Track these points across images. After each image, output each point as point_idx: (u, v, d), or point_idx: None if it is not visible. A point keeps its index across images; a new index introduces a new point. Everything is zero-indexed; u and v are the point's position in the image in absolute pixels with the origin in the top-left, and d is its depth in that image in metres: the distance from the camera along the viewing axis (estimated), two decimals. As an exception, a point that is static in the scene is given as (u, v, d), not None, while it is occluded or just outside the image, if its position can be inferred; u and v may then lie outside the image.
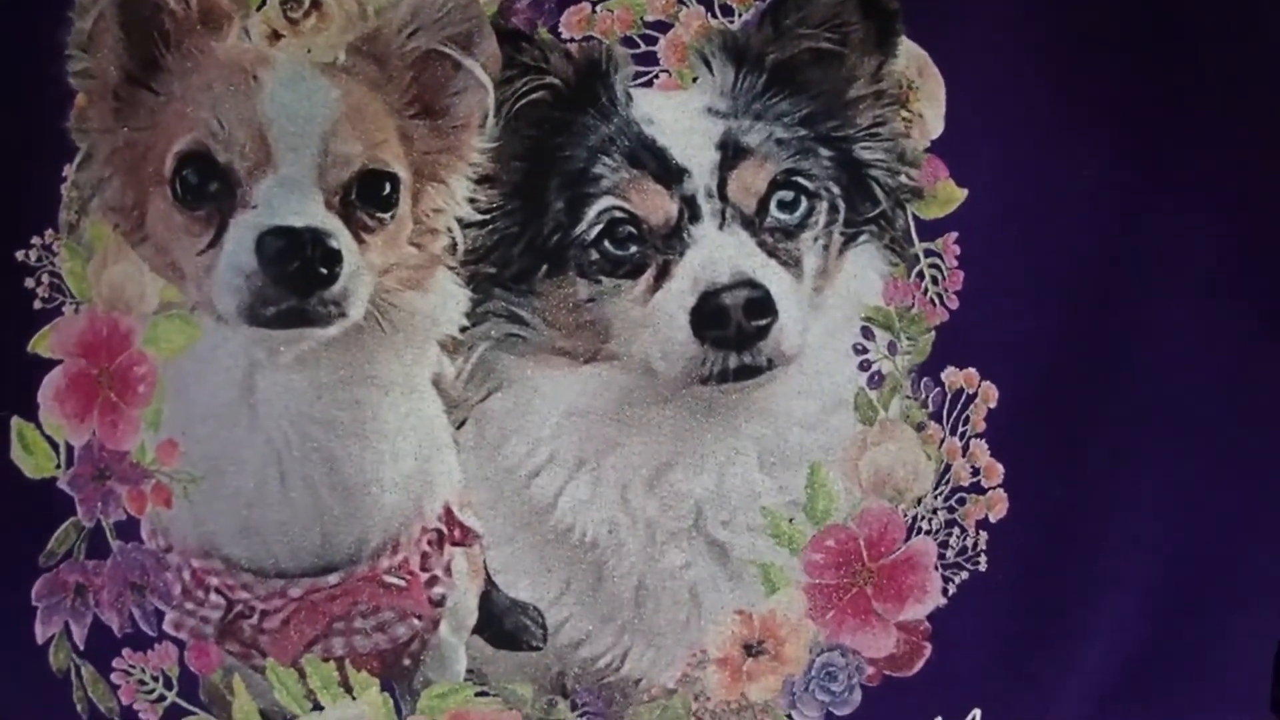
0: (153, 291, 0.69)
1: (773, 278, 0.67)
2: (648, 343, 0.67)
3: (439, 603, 0.70)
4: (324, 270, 0.64)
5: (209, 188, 0.66)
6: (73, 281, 0.72)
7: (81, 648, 0.71)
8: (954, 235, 0.71)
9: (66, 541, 0.71)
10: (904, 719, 0.72)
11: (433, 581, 0.69)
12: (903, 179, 0.70)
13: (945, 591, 0.71)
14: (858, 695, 0.72)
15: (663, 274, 0.67)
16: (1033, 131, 0.71)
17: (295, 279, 0.64)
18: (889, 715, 0.72)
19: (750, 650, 0.70)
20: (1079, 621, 0.73)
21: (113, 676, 0.71)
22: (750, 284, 0.66)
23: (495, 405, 0.69)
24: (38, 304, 0.72)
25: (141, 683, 0.71)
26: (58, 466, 0.71)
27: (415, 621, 0.69)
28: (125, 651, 0.71)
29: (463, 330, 0.68)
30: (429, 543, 0.69)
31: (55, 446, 0.72)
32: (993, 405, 0.71)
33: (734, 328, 0.66)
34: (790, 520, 0.69)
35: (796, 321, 0.68)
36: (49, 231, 0.72)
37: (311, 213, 0.65)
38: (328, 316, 0.65)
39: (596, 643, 0.70)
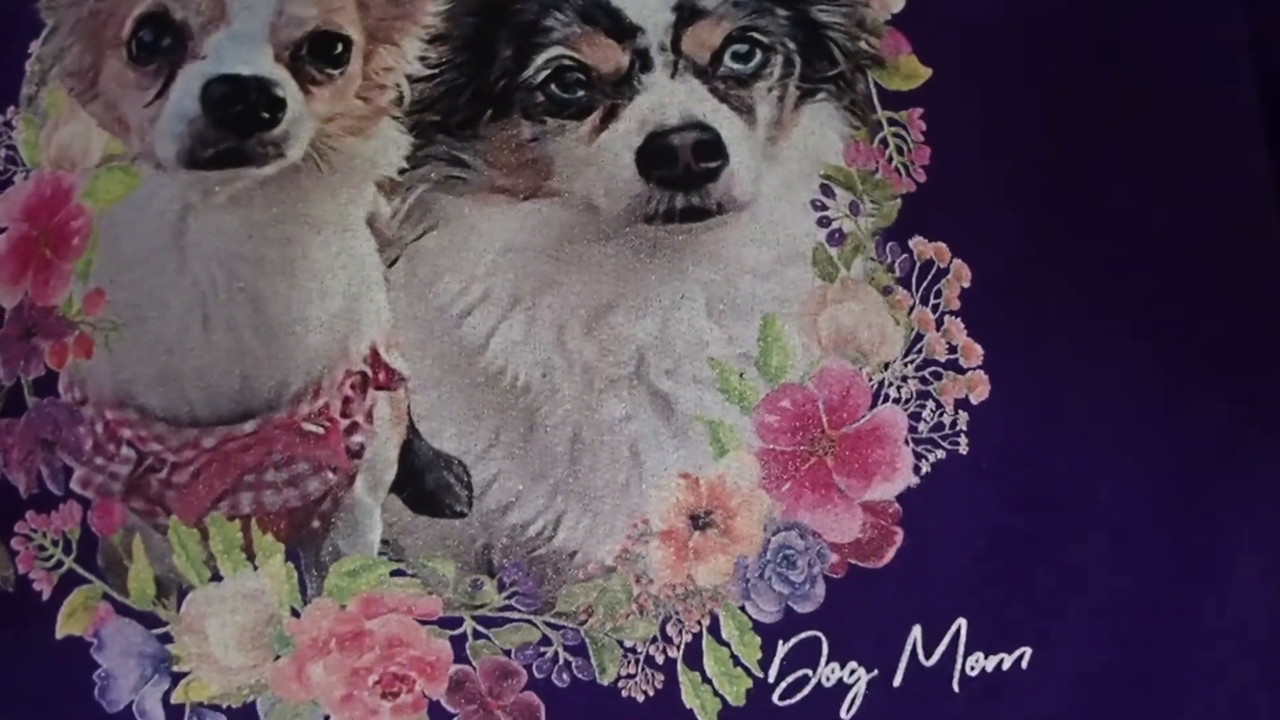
0: (97, 147, 0.69)
1: (724, 121, 0.64)
2: (590, 180, 0.64)
3: (357, 453, 0.64)
4: (266, 115, 0.64)
5: (162, 43, 0.66)
6: (26, 150, 0.72)
7: (-14, 511, 0.66)
8: (919, 111, 0.68)
9: (-16, 401, 0.68)
10: (876, 623, 0.63)
11: (352, 429, 0.64)
12: (863, 45, 0.68)
13: (917, 470, 0.64)
14: (821, 589, 0.64)
15: (609, 116, 0.65)
16: (995, 17, 0.70)
17: (236, 122, 0.64)
18: (858, 617, 0.63)
19: (697, 522, 0.63)
20: (1072, 520, 0.65)
21: (13, 542, 0.66)
22: (700, 126, 0.64)
23: (429, 243, 0.65)
24: (-9, 179, 0.72)
25: (41, 548, 0.66)
26: (-13, 330, 0.69)
27: (329, 475, 0.64)
28: (29, 514, 0.65)
29: (401, 172, 0.66)
30: (352, 386, 0.64)
31: (-13, 311, 0.69)
32: (966, 285, 0.67)
33: (682, 168, 0.63)
34: (741, 375, 0.64)
35: (749, 169, 0.64)
36: (10, 108, 0.73)
37: (259, 64, 0.65)
38: (265, 156, 0.64)
39: (527, 505, 0.64)
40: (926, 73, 0.69)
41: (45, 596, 0.65)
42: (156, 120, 0.65)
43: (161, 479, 0.64)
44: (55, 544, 0.65)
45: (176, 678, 0.64)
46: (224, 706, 0.64)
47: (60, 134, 0.70)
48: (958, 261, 0.67)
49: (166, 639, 0.64)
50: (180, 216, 0.66)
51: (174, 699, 0.64)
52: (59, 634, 0.65)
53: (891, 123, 0.68)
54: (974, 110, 0.69)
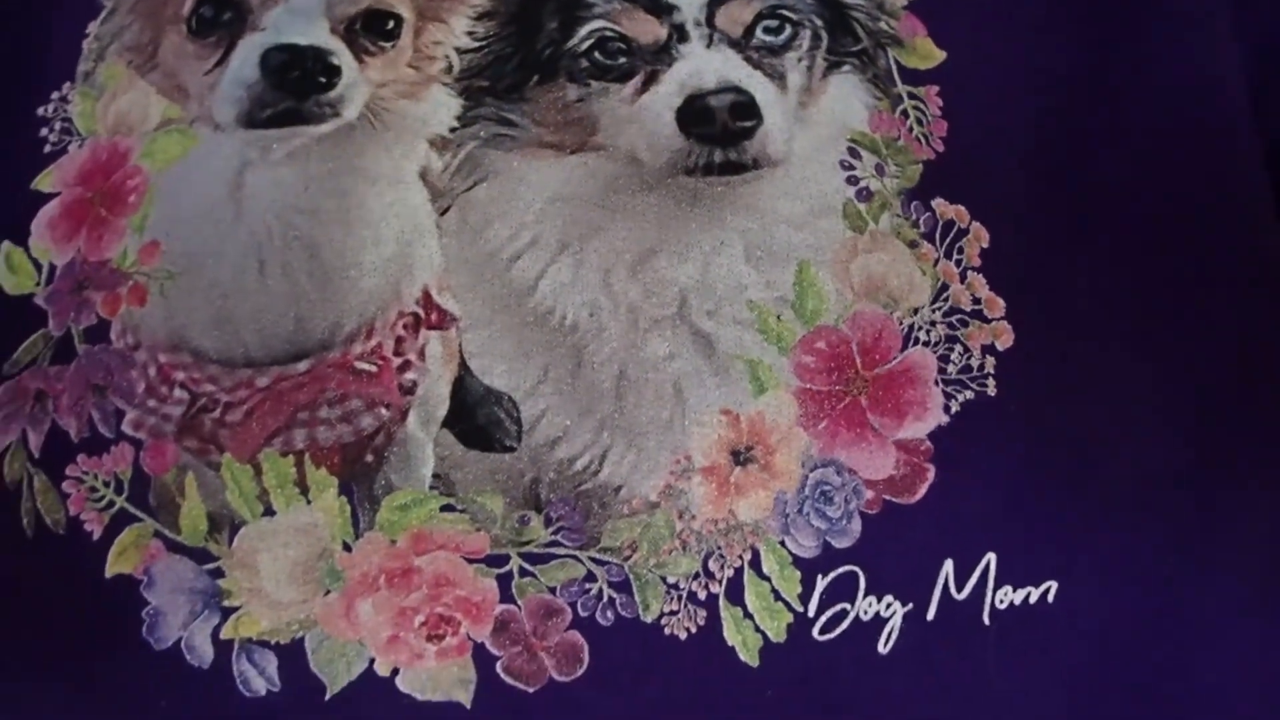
0: (155, 113, 0.72)
1: (758, 86, 0.69)
2: (634, 135, 0.68)
3: (409, 390, 0.66)
4: (322, 80, 0.67)
5: (222, 18, 0.70)
6: (81, 121, 0.74)
7: (37, 455, 0.67)
8: (935, 89, 0.73)
9: (33, 350, 0.69)
10: (910, 557, 0.66)
11: (405, 367, 0.66)
12: (883, 26, 0.73)
13: (947, 409, 0.67)
14: (857, 525, 0.66)
15: (650, 80, 0.69)
16: (1004, 3, 0.75)
17: (294, 85, 0.67)
18: (893, 552, 0.66)
19: (738, 458, 0.65)
20: (1096, 461, 0.67)
21: (64, 485, 0.66)
22: (736, 89, 0.68)
23: (480, 193, 0.69)
24: (48, 149, 0.74)
25: (92, 490, 0.66)
26: (37, 284, 0.71)
27: (383, 411, 0.66)
28: (80, 457, 0.67)
29: (452, 131, 0.69)
30: (404, 327, 0.67)
31: (39, 267, 0.71)
32: (985, 245, 0.71)
33: (719, 126, 0.67)
34: (778, 317, 0.67)
35: (781, 130, 0.68)
36: (66, 84, 0.75)
37: (316, 35, 0.69)
38: (322, 116, 0.68)
39: (574, 440, 0.66)
40: (941, 55, 0.74)
41: (96, 536, 0.66)
42: (215, 86, 0.68)
43: (215, 418, 0.66)
44: (106, 485, 0.66)
45: (226, 613, 0.65)
46: (272, 643, 0.65)
47: (118, 103, 0.73)
48: (976, 224, 0.71)
49: (217, 574, 0.65)
50: (238, 172, 0.68)
51: (223, 634, 0.64)
52: (109, 573, 0.65)
53: (911, 96, 0.73)
54: (985, 91, 0.74)
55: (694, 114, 0.67)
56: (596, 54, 0.69)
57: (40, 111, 0.75)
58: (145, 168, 0.70)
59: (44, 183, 0.73)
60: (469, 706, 0.65)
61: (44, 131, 0.75)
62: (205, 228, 0.68)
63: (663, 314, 0.67)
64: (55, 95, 0.76)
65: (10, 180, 0.74)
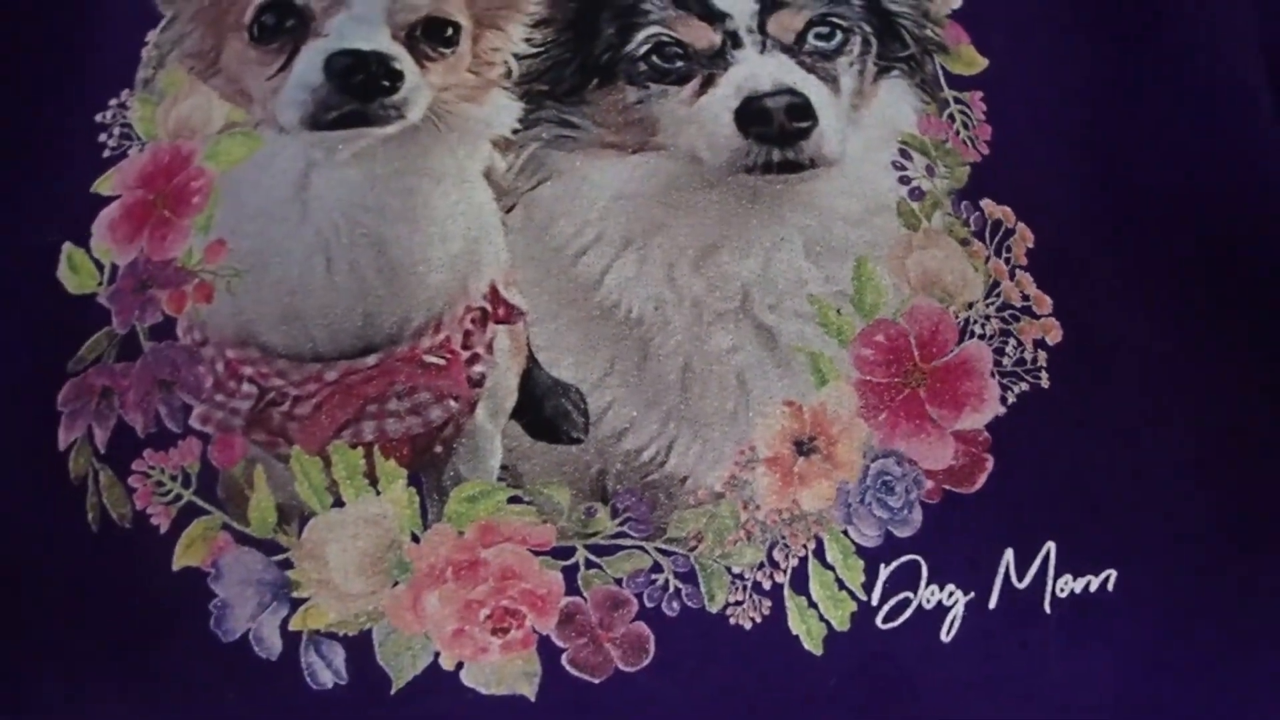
0: (219, 116, 0.73)
1: (812, 89, 0.70)
2: (693, 135, 0.69)
3: (478, 382, 0.67)
4: (386, 83, 0.68)
5: (285, 25, 0.71)
6: (141, 126, 0.75)
7: (103, 451, 0.67)
8: (979, 94, 0.75)
9: (97, 348, 0.70)
10: (971, 546, 0.67)
11: (473, 360, 0.67)
12: (929, 33, 0.75)
13: (1004, 400, 0.68)
14: (918, 514, 0.67)
15: (707, 83, 0.71)
16: (1043, 13, 0.78)
17: (359, 89, 0.68)
18: (954, 541, 0.66)
19: (801, 448, 0.66)
20: (1150, 450, 0.69)
21: (130, 480, 0.67)
22: (791, 92, 0.70)
23: (544, 192, 0.70)
24: (106, 154, 0.75)
25: (159, 484, 0.67)
26: (99, 284, 0.71)
27: (451, 403, 0.67)
28: (146, 452, 0.67)
29: (514, 132, 0.71)
30: (472, 321, 0.68)
31: (101, 268, 0.72)
32: (1030, 245, 0.72)
33: (776, 126, 0.69)
34: (838, 311, 0.68)
35: (836, 131, 0.70)
36: (124, 91, 0.77)
37: (378, 41, 0.70)
38: (387, 118, 0.69)
39: (641, 431, 0.67)
40: (984, 62, 0.76)
41: (163, 530, 0.66)
42: (279, 91, 0.69)
43: (283, 412, 0.66)
44: (174, 479, 0.67)
45: (295, 605, 0.65)
46: (340, 635, 0.65)
47: (179, 108, 0.74)
48: (1022, 225, 0.73)
49: (286, 565, 0.65)
50: (304, 172, 0.69)
51: (292, 625, 0.64)
52: (176, 566, 0.65)
53: (957, 101, 0.75)
54: (1026, 97, 0.76)
55: (752, 114, 0.69)
56: (654, 58, 0.71)
57: (98, 118, 0.76)
58: (209, 169, 0.71)
59: (104, 186, 0.74)
60: (534, 699, 0.65)
61: (102, 137, 0.76)
62: (271, 226, 0.69)
63: (726, 308, 0.68)
64: (113, 102, 0.77)
65: (70, 184, 0.74)
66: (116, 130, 0.76)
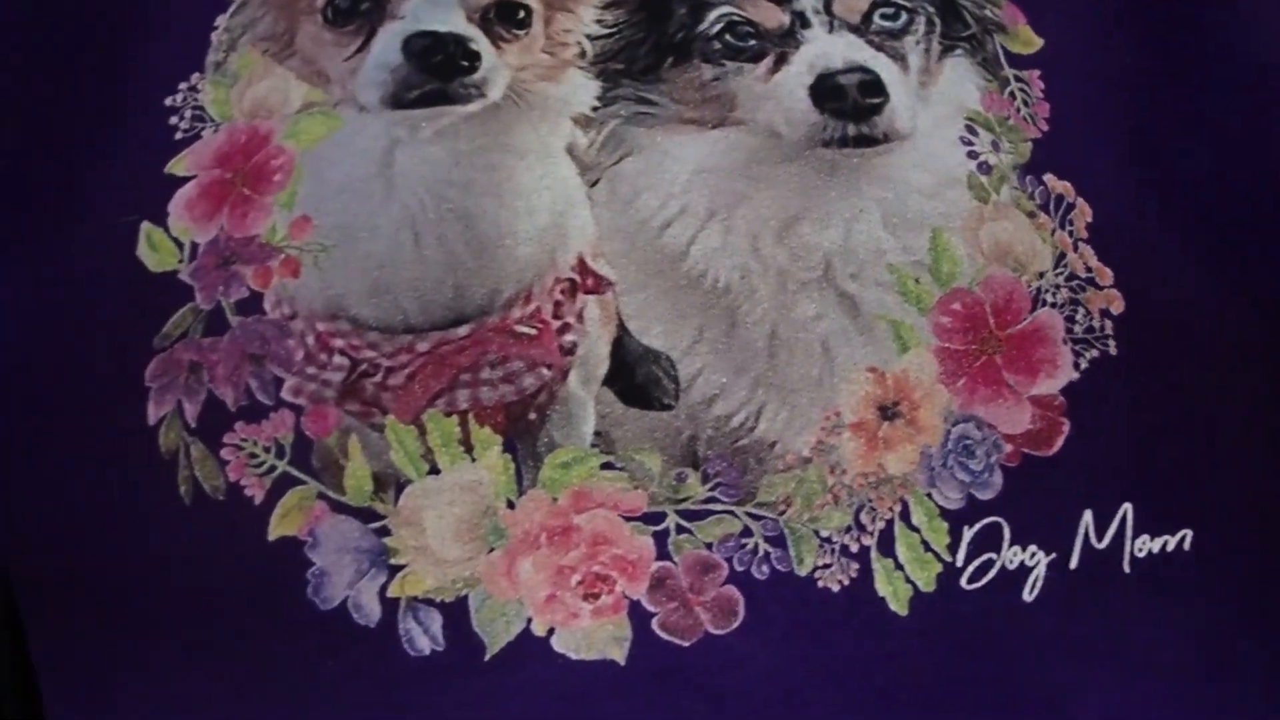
0: (296, 96, 0.74)
1: (882, 66, 0.72)
2: (771, 111, 0.71)
3: (569, 350, 0.68)
4: (465, 64, 0.70)
5: (360, 7, 0.72)
6: (215, 108, 0.76)
7: (193, 425, 0.68)
8: (1037, 72, 0.78)
9: (182, 324, 0.70)
10: (1050, 508, 0.68)
11: (564, 329, 0.68)
12: (988, 13, 0.78)
13: (1077, 366, 0.70)
14: (999, 478, 0.68)
15: (780, 61, 0.72)
16: None
17: (438, 69, 0.70)
18: (1034, 503, 0.68)
19: (885, 413, 0.68)
20: (1217, 415, 0.71)
21: (222, 453, 0.67)
22: (863, 69, 0.71)
23: (627, 167, 0.71)
24: (179, 135, 0.76)
25: (252, 455, 0.67)
26: (180, 261, 0.72)
27: (544, 371, 0.68)
28: (238, 425, 0.67)
29: (594, 110, 0.72)
30: (562, 291, 0.69)
31: (180, 245, 0.72)
32: (1089, 220, 0.74)
33: (850, 102, 0.71)
34: (917, 280, 0.70)
35: (906, 107, 0.72)
36: (195, 75, 0.77)
37: (454, 22, 0.72)
38: (468, 97, 0.70)
39: (730, 397, 0.68)
40: (1040, 41, 0.78)
41: (258, 501, 0.66)
42: (357, 71, 0.71)
43: (376, 383, 0.67)
44: (267, 450, 0.67)
45: (393, 572, 0.65)
46: (438, 601, 0.65)
47: (255, 89, 0.75)
48: (1081, 200, 0.75)
49: (383, 533, 0.66)
50: (387, 150, 0.70)
51: (390, 592, 0.65)
52: (272, 536, 0.66)
53: (1017, 79, 0.77)
54: (1081, 76, 0.78)
55: (826, 91, 0.70)
56: (727, 36, 0.73)
57: (168, 101, 0.77)
58: (289, 147, 0.72)
59: (178, 167, 0.74)
60: (623, 664, 0.66)
61: (173, 120, 0.76)
62: (356, 203, 0.70)
63: (809, 277, 0.70)
64: (183, 85, 0.77)
65: (143, 166, 0.75)
66: (188, 113, 0.76)
